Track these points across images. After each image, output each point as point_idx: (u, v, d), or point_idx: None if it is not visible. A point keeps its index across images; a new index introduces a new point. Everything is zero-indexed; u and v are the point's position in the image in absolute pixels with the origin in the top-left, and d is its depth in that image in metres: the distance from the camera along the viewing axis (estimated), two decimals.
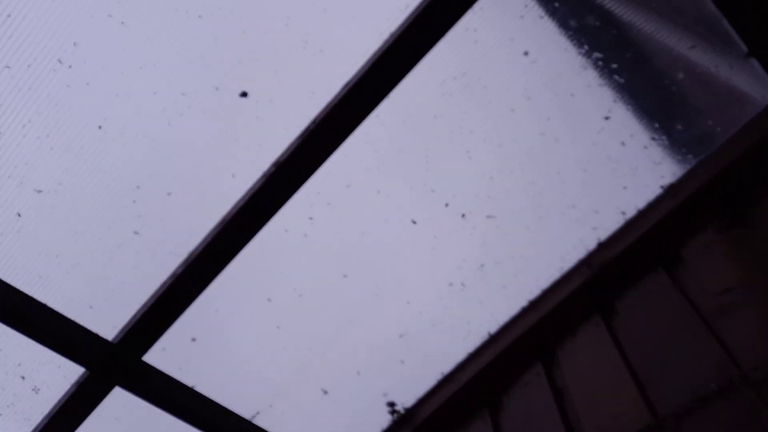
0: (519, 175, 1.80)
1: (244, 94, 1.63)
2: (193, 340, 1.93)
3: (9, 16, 1.45)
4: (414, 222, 1.89)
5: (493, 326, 2.09)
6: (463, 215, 1.88)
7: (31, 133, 1.56)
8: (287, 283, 1.97)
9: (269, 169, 1.71)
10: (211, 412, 1.99)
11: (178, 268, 1.79)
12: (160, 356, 1.89)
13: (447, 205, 1.87)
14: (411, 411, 2.21)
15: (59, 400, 1.89)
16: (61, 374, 1.86)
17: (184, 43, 1.53)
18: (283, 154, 1.71)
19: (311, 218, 1.86)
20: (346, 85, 1.62)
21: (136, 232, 1.75)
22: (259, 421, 2.11)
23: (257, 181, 1.73)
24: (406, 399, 2.20)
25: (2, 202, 1.61)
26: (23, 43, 1.48)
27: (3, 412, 1.89)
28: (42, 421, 1.92)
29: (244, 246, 1.76)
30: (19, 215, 1.64)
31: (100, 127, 1.59)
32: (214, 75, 1.58)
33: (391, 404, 2.20)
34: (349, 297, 2.02)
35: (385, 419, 2.22)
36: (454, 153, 1.78)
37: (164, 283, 1.80)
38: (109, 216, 1.71)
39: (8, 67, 1.49)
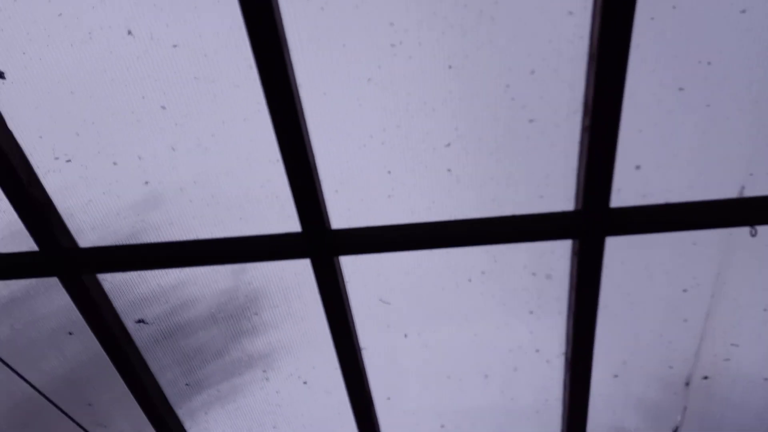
0: None
1: None
2: (637, 167, 1.96)
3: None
4: None
5: None
6: None
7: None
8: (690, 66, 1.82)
9: None
10: (692, 212, 1.99)
11: (584, 121, 1.84)
12: (620, 197, 1.98)
13: None
14: None
15: (570, 274, 2.17)
16: (557, 256, 2.13)
17: None
18: None
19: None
20: None
21: (531, 120, 1.86)
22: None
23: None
24: None
25: (434, 169, 1.93)
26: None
27: (541, 305, 2.27)
28: (569, 295, 2.23)
29: (626, 68, 1.70)
30: (449, 170, 1.94)
31: (450, 67, 1.75)
32: None
33: None
34: None
35: None
36: None
37: (581, 142, 1.88)
38: (502, 124, 1.87)
39: None
